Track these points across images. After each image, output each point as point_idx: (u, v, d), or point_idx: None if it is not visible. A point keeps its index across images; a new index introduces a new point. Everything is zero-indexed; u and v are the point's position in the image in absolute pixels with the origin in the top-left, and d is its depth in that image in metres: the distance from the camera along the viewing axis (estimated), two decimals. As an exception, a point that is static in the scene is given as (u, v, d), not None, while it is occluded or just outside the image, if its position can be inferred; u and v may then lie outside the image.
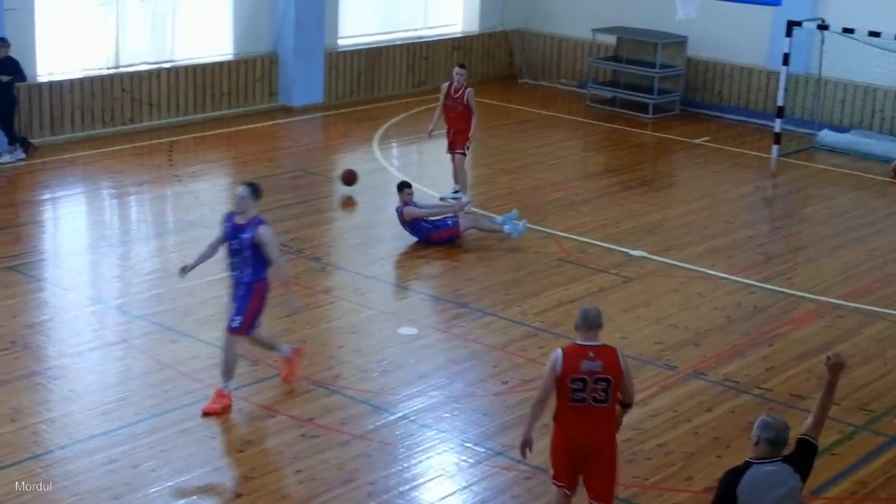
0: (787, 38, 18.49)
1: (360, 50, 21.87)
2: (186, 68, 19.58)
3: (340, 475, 9.13)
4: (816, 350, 11.64)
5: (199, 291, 12.09)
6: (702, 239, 15.08)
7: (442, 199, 15.86)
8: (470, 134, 15.72)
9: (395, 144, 19.35)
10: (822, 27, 18.89)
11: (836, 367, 6.60)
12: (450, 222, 14.39)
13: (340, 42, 21.71)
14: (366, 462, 9.37)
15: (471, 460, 9.50)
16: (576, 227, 15.21)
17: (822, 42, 19.63)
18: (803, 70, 20.03)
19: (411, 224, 14.32)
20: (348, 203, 16.18)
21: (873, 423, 10.38)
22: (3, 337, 11.31)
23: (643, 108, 21.59)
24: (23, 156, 17.12)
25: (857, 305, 13.02)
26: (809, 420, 6.59)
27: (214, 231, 10.44)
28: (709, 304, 12.92)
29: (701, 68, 22.01)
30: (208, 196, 16.01)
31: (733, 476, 6.36)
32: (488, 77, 23.63)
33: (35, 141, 17.64)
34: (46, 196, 15.93)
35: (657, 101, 21.62)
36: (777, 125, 18.78)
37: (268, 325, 10.77)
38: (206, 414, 9.91)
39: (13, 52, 16.81)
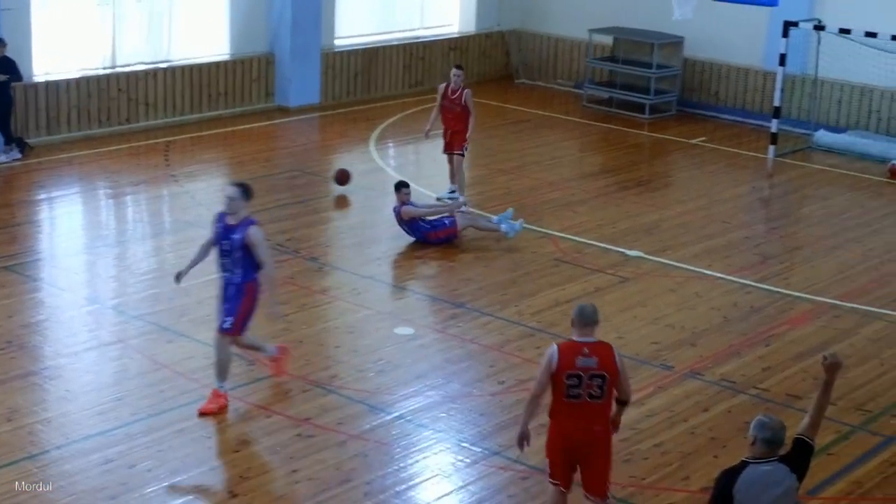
0: (784, 39, 18.51)
1: (356, 50, 21.87)
2: (183, 68, 19.57)
3: (337, 475, 9.13)
4: (813, 350, 11.64)
5: (195, 291, 12.07)
6: (698, 239, 15.08)
7: (438, 199, 15.86)
8: (468, 135, 15.73)
9: (391, 145, 19.35)
10: (819, 28, 18.91)
11: (832, 367, 6.60)
12: (447, 222, 14.39)
13: (337, 42, 21.71)
14: (362, 462, 9.36)
15: (467, 460, 9.50)
16: (572, 228, 15.22)
17: (819, 42, 19.64)
18: (800, 70, 20.03)
19: (409, 224, 14.32)
20: (345, 203, 16.18)
21: (870, 424, 10.38)
22: (0, 337, 11.30)
23: (640, 108, 21.60)
24: (19, 156, 17.10)
25: (854, 305, 13.03)
26: (806, 420, 6.59)
27: (211, 231, 10.43)
28: (705, 305, 12.92)
29: (697, 69, 22.02)
30: (205, 196, 15.99)
31: (730, 476, 6.36)
32: (485, 77, 23.63)
33: (31, 141, 17.62)
34: (43, 196, 15.92)
35: (654, 101, 21.63)
36: (773, 125, 18.79)
37: (264, 325, 10.77)
38: (202, 414, 9.91)
39: (9, 52, 16.79)
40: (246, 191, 9.89)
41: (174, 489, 8.90)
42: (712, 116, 21.73)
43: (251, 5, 20.36)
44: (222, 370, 9.98)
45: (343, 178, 16.31)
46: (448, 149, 15.89)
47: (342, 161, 17.85)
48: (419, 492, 9.05)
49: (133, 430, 9.67)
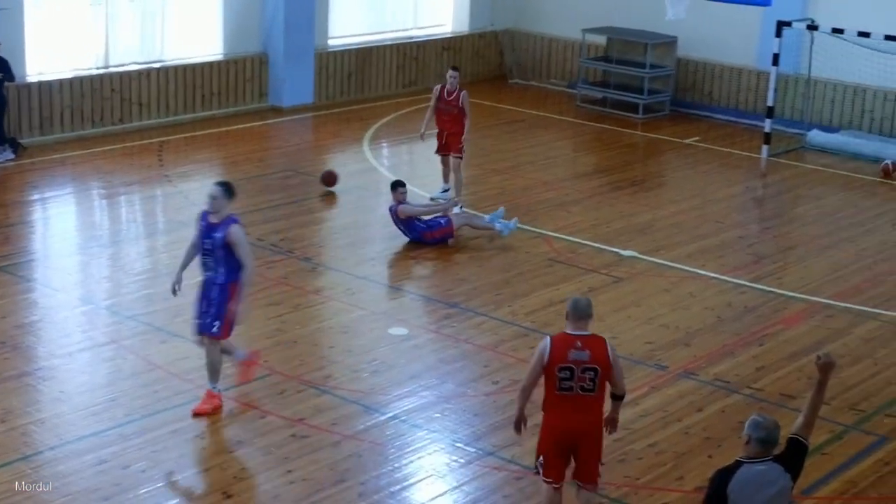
0: (777, 39, 18.55)
1: (350, 50, 21.86)
2: (176, 68, 19.55)
3: (331, 475, 9.12)
4: (806, 350, 11.66)
5: (189, 292, 11.98)
6: (692, 239, 15.09)
7: (432, 199, 15.85)
8: (464, 137, 15.72)
9: (385, 144, 19.34)
10: (812, 27, 18.94)
11: (826, 367, 6.60)
12: (443, 221, 14.39)
13: (330, 42, 21.69)
14: (356, 462, 9.36)
15: (461, 460, 9.49)
16: (566, 227, 15.22)
17: (812, 42, 19.67)
18: (793, 70, 20.06)
19: (406, 223, 14.31)
20: (338, 203, 16.16)
21: (863, 423, 10.40)
22: (-7, 337, 11.30)
23: (633, 108, 21.61)
24: (12, 156, 17.07)
25: (847, 305, 13.05)
26: (800, 419, 6.60)
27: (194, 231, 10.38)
28: (699, 304, 12.93)
29: (691, 68, 22.04)
30: (198, 196, 15.90)
31: (724, 475, 6.36)
32: (478, 77, 23.63)
33: (24, 141, 17.60)
34: (36, 196, 15.89)
35: (647, 101, 21.64)
36: (767, 125, 18.82)
37: (259, 324, 10.76)
38: (196, 414, 9.90)
39: (2, 52, 16.78)
40: (228, 189, 9.85)
41: (168, 490, 8.89)
42: (706, 116, 21.75)
43: (244, 5, 20.35)
44: (214, 371, 9.97)
45: (330, 179, 16.29)
46: (443, 150, 15.88)
47: (336, 161, 17.86)
48: (414, 492, 9.05)
49: (127, 430, 9.66)
